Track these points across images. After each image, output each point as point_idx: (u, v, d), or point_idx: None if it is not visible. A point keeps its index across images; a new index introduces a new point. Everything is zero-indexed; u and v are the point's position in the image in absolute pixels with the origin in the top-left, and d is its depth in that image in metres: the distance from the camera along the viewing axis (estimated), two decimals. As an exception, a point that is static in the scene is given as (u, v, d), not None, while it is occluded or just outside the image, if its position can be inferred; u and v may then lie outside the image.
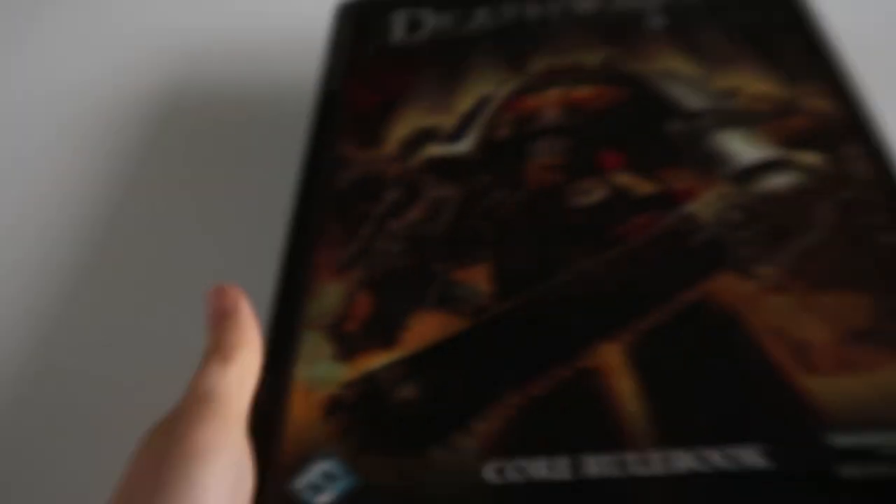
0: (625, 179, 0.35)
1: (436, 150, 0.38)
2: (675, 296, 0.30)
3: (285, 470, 0.28)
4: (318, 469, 0.28)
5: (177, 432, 0.26)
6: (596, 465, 0.26)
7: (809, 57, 0.39)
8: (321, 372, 0.30)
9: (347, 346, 0.31)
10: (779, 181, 0.33)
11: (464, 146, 0.38)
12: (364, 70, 0.44)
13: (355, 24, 0.47)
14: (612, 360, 0.29)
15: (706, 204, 0.33)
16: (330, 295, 0.33)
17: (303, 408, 0.29)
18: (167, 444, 0.26)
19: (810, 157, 0.34)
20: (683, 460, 0.26)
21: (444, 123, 0.40)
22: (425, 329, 0.31)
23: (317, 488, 0.27)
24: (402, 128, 0.40)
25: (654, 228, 0.33)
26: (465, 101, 0.41)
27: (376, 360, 0.30)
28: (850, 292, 0.29)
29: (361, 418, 0.29)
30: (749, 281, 0.30)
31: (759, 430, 0.26)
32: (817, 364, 0.27)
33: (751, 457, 0.25)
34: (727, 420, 0.26)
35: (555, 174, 0.36)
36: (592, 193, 0.35)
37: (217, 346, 0.30)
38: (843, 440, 0.25)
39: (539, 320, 0.31)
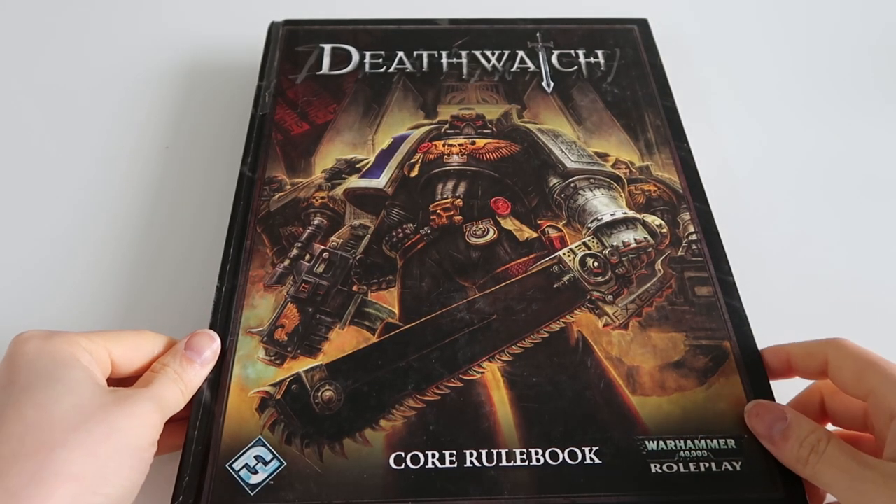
0: (510, 224, 0.43)
1: (356, 182, 0.45)
2: (543, 326, 0.39)
3: (224, 453, 0.34)
4: (251, 453, 0.34)
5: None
6: (475, 458, 0.34)
7: (661, 131, 0.48)
8: (254, 373, 0.37)
9: (277, 351, 0.37)
10: (628, 237, 0.42)
11: (380, 182, 0.45)
12: (294, 97, 0.49)
13: (284, 48, 0.52)
14: (492, 375, 0.37)
15: (572, 251, 0.42)
16: (262, 306, 0.39)
17: (238, 402, 0.36)
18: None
19: (654, 219, 0.43)
20: (539, 456, 0.34)
21: (363, 158, 0.46)
22: (343, 341, 0.38)
23: (251, 470, 0.34)
24: (327, 158, 0.46)
25: (532, 268, 0.41)
26: (381, 140, 0.47)
27: (301, 365, 0.37)
28: (670, 332, 0.39)
29: (289, 413, 0.35)
30: (599, 318, 0.39)
31: (596, 435, 0.35)
32: (642, 386, 0.36)
33: (589, 455, 0.34)
34: (574, 427, 0.35)
35: (454, 214, 0.43)
36: (486, 234, 0.42)
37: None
38: (653, 445, 0.34)
39: (435, 339, 0.38)
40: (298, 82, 0.50)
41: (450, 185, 0.45)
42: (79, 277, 0.45)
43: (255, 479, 0.33)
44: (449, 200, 0.44)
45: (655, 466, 0.34)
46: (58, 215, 0.49)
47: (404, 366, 0.37)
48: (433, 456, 0.34)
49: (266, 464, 0.34)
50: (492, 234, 0.42)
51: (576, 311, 0.39)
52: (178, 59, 0.59)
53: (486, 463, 0.34)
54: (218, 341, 0.37)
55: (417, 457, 0.34)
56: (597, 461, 0.34)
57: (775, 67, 0.60)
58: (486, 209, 0.44)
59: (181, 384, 0.34)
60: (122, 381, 0.35)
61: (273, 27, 0.54)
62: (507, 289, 0.40)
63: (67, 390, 0.30)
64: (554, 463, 0.34)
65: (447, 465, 0.34)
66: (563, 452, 0.34)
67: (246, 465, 0.34)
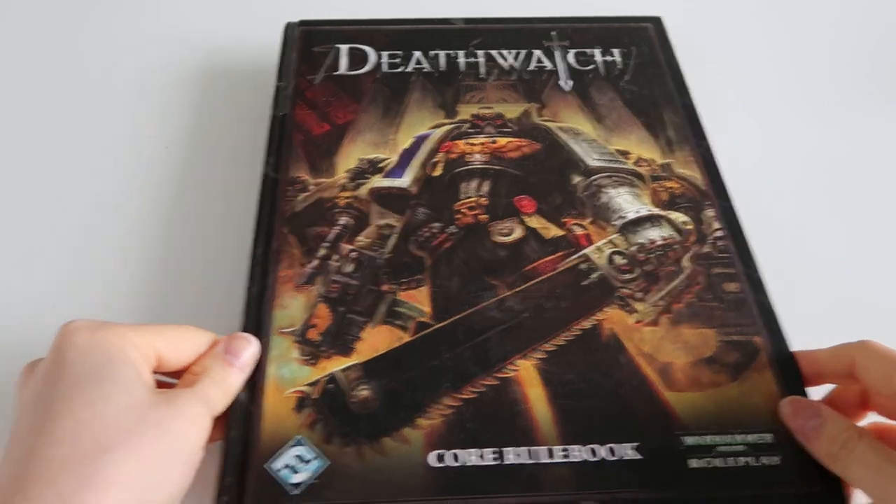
0: (536, 223, 0.43)
1: (380, 181, 0.45)
2: (574, 323, 0.39)
3: (264, 453, 0.34)
4: (291, 453, 0.34)
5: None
6: (515, 456, 0.34)
7: (681, 128, 0.48)
8: (289, 372, 0.37)
9: (311, 351, 0.37)
10: (653, 234, 0.43)
11: (404, 181, 0.45)
12: (313, 98, 0.49)
13: (301, 49, 0.52)
14: (527, 372, 0.37)
15: (599, 249, 0.42)
16: (293, 307, 0.39)
17: (275, 402, 0.36)
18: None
19: (679, 216, 0.44)
20: (579, 453, 0.34)
21: (385, 157, 0.46)
22: (376, 340, 0.38)
23: (292, 469, 0.33)
24: (350, 158, 0.46)
25: (560, 266, 0.41)
26: (403, 139, 0.47)
27: (336, 365, 0.37)
28: (701, 328, 0.39)
29: (326, 413, 0.35)
30: (629, 315, 0.39)
31: (634, 431, 0.35)
32: (676, 382, 0.37)
33: (628, 451, 0.34)
34: (611, 423, 0.35)
35: (480, 213, 0.43)
36: (512, 233, 0.42)
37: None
38: (691, 440, 0.35)
39: (468, 337, 0.38)
40: (317, 83, 0.50)
41: (473, 184, 0.45)
42: (103, 278, 0.45)
43: (296, 479, 0.33)
44: (473, 199, 0.44)
45: (694, 461, 0.34)
46: (78, 216, 0.49)
47: (438, 364, 0.37)
48: (473, 453, 0.34)
49: (307, 463, 0.34)
50: (518, 233, 0.43)
51: (606, 309, 0.39)
52: (192, 61, 0.59)
53: (526, 460, 0.34)
54: (257, 345, 0.37)
55: (457, 454, 0.34)
56: (636, 457, 0.34)
57: (778, 66, 0.61)
58: (510, 208, 0.44)
59: (223, 386, 0.34)
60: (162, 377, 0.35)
61: (288, 28, 0.54)
62: (537, 287, 0.40)
63: (119, 389, 0.30)
64: (594, 459, 0.34)
65: (488, 462, 0.34)
66: (602, 448, 0.34)
67: (287, 465, 0.34)
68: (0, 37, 0.61)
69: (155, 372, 0.34)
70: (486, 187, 0.45)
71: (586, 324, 0.39)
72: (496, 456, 0.34)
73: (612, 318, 0.39)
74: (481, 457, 0.34)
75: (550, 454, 0.34)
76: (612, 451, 0.34)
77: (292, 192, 0.44)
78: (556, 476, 0.34)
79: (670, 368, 0.37)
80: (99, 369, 0.30)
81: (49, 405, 0.29)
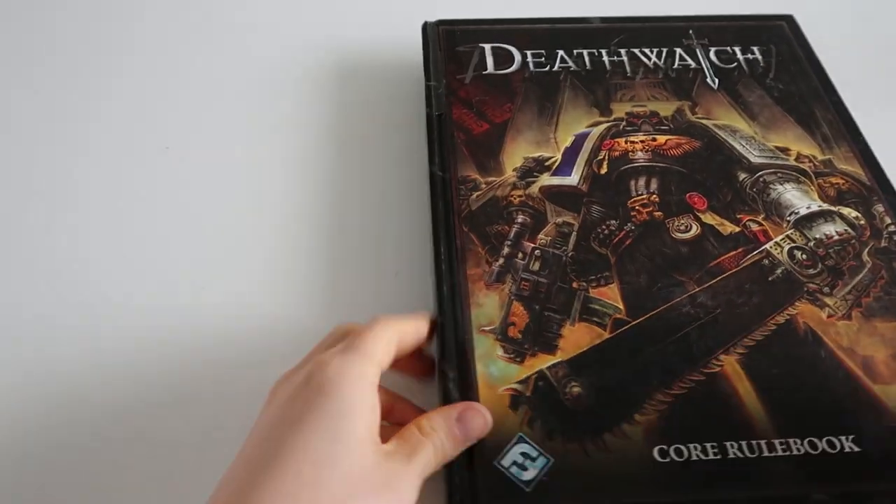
0: (711, 219, 0.43)
1: (549, 180, 0.45)
2: (768, 318, 0.39)
3: (489, 452, 0.34)
4: (516, 450, 0.34)
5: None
6: (737, 450, 0.34)
7: (835, 125, 0.49)
8: (497, 370, 0.37)
9: (515, 349, 0.38)
10: (829, 229, 0.43)
11: (573, 179, 0.45)
12: (466, 97, 0.50)
13: (446, 48, 0.53)
14: (731, 367, 0.37)
15: (777, 244, 0.42)
16: (487, 304, 0.39)
17: (490, 399, 0.36)
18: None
19: (850, 211, 0.44)
20: (798, 446, 0.34)
21: (550, 155, 0.46)
22: (577, 337, 0.38)
23: (521, 466, 0.34)
24: (515, 157, 0.46)
25: (743, 262, 0.41)
26: (563, 138, 0.48)
27: (542, 362, 0.37)
28: (894, 321, 0.39)
29: (543, 410, 0.35)
30: (820, 309, 0.40)
31: (848, 424, 0.35)
32: (880, 375, 0.37)
33: (847, 444, 0.34)
34: (823, 416, 0.35)
35: (654, 210, 0.44)
36: (689, 229, 0.43)
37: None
38: (908, 432, 0.35)
39: (667, 333, 0.38)
40: (467, 82, 0.51)
41: (642, 182, 0.45)
42: (290, 279, 0.45)
43: (527, 476, 0.33)
44: (645, 197, 0.44)
45: (914, 452, 0.34)
46: (243, 216, 0.49)
47: (643, 360, 0.37)
48: (695, 448, 0.34)
49: (533, 460, 0.34)
50: (695, 230, 0.43)
51: (796, 303, 0.40)
52: (329, 60, 0.59)
53: (748, 454, 0.34)
54: (490, 423, 0.35)
55: (681, 450, 0.34)
56: (856, 449, 0.34)
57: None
58: (682, 205, 0.44)
59: (443, 456, 0.33)
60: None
61: (427, 27, 0.54)
62: (724, 283, 0.41)
63: (346, 452, 0.29)
64: (814, 452, 0.34)
65: (710, 457, 0.34)
66: (821, 442, 0.35)
67: (515, 462, 0.34)
68: (145, 45, 0.61)
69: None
70: (654, 185, 0.45)
71: (780, 318, 0.39)
72: (718, 451, 0.34)
73: (803, 312, 0.39)
74: (703, 451, 0.34)
75: (771, 448, 0.34)
76: (831, 443, 0.35)
77: (465, 191, 0.44)
78: (779, 470, 0.34)
79: (872, 362, 0.38)
80: (337, 420, 0.30)
81: (281, 443, 0.29)
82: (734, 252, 0.42)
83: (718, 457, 0.34)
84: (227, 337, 0.42)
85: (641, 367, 0.37)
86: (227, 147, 0.53)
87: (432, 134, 0.47)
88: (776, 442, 0.35)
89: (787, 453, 0.34)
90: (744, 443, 0.34)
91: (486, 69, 0.51)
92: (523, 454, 0.34)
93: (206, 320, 0.43)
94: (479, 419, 0.34)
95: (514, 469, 0.34)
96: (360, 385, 0.32)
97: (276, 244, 0.47)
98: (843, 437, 0.35)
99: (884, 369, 0.37)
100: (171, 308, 0.44)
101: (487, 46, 0.53)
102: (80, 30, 0.62)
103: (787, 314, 0.39)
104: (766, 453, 0.34)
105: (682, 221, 0.43)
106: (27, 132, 0.54)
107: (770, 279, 0.41)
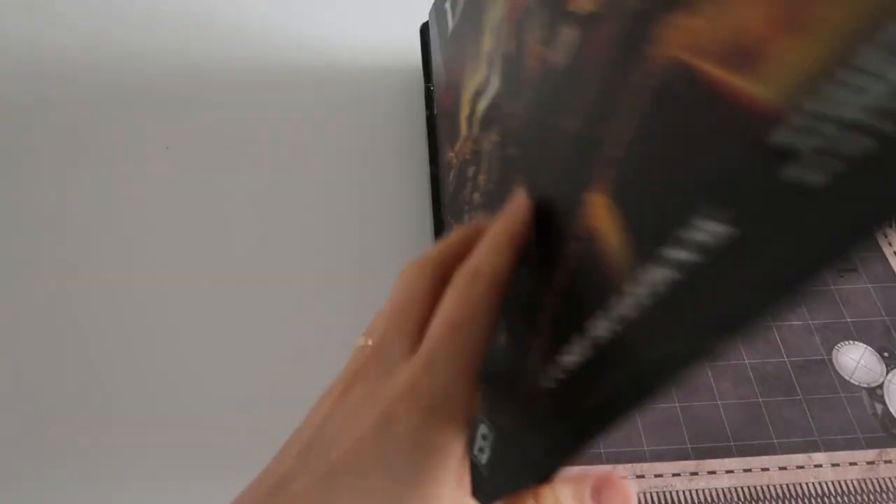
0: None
1: (483, 103, 0.40)
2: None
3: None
4: (479, 433, 0.33)
5: None
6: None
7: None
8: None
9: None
10: None
11: (493, 88, 0.39)
12: (443, 76, 0.48)
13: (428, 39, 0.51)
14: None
15: None
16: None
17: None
18: None
19: None
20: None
21: (482, 76, 0.41)
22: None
23: (481, 450, 0.32)
24: (465, 106, 0.43)
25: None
26: (486, 43, 0.41)
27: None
28: None
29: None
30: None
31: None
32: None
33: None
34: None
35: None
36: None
37: None
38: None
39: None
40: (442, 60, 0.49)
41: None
42: (277, 276, 0.48)
43: (485, 458, 0.31)
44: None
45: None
46: (244, 216, 0.52)
47: None
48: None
49: (485, 439, 0.32)
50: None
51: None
52: (327, 63, 0.59)
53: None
54: (634, 499, 0.27)
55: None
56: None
57: None
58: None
59: None
60: None
61: (425, 29, 0.54)
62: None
63: None
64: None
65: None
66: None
67: (480, 448, 0.32)
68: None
69: None
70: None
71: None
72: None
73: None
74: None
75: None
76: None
77: (445, 174, 0.43)
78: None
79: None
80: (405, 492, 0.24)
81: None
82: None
83: None
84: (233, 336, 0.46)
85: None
86: (226, 148, 0.56)
87: (432, 134, 0.47)
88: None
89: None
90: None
91: (448, 32, 0.48)
92: (483, 436, 0.32)
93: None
94: (620, 496, 0.26)
95: (478, 455, 0.32)
96: (445, 429, 0.25)
97: (276, 244, 0.50)
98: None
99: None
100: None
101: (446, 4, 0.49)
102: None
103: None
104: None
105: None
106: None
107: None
